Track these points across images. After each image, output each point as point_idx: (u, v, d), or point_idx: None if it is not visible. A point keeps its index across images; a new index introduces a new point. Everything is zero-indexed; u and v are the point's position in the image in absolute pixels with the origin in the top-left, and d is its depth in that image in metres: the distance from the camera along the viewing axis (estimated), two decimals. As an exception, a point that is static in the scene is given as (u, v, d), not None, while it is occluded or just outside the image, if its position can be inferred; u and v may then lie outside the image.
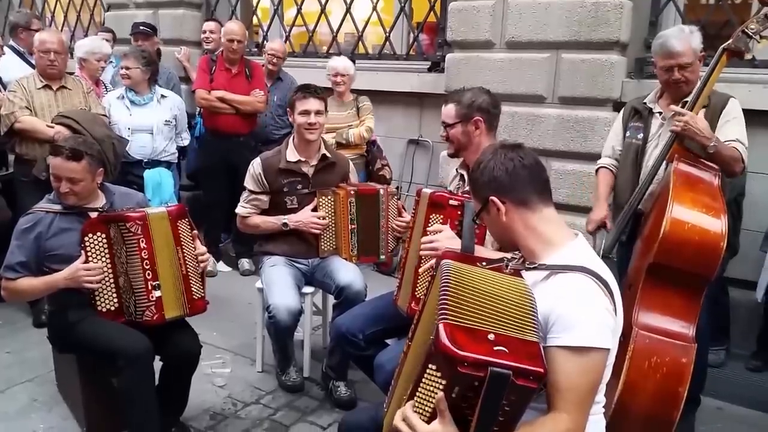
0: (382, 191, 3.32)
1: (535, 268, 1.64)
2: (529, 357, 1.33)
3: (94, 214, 2.65)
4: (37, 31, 4.83)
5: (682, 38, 2.74)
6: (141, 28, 5.46)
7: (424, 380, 1.37)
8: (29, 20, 5.03)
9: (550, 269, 1.61)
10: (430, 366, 1.35)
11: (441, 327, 1.32)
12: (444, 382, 1.33)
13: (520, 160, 1.71)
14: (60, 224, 2.65)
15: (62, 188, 2.61)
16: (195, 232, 2.78)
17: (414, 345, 1.63)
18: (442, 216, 2.35)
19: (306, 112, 3.21)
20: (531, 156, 1.74)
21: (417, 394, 1.39)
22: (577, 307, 1.51)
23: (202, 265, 2.76)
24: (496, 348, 1.31)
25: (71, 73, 4.29)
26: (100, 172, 2.73)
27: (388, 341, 2.80)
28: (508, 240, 1.74)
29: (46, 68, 3.97)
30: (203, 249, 2.80)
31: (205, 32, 5.54)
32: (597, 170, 3.24)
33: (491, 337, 1.33)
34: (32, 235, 2.62)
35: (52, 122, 3.82)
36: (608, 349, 1.53)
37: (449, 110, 2.65)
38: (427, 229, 2.34)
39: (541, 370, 1.32)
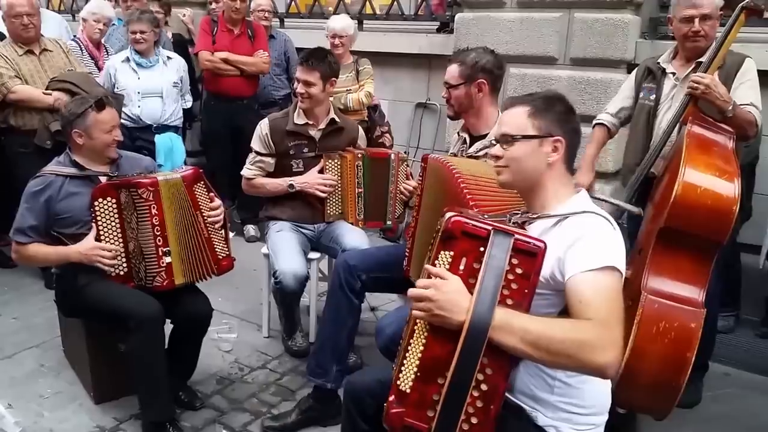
0: (393, 156, 3.28)
1: (538, 217, 1.68)
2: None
3: (103, 179, 2.63)
4: None
5: None
6: None
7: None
8: None
9: (556, 216, 1.65)
10: (441, 252, 1.53)
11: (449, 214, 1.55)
12: (451, 253, 1.52)
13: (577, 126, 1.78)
14: (69, 188, 2.63)
15: (119, 136, 2.71)
16: (212, 194, 2.75)
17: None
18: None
19: (297, 80, 3.18)
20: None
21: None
22: (594, 238, 1.55)
23: (218, 218, 2.73)
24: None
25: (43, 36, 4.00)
26: None
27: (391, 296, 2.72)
28: (528, 185, 1.72)
29: (21, 33, 3.72)
30: (218, 202, 2.77)
31: None
32: (594, 126, 3.14)
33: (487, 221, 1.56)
34: (42, 199, 2.59)
35: (47, 89, 3.69)
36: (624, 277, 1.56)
37: (452, 71, 2.58)
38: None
39: (542, 244, 1.47)
